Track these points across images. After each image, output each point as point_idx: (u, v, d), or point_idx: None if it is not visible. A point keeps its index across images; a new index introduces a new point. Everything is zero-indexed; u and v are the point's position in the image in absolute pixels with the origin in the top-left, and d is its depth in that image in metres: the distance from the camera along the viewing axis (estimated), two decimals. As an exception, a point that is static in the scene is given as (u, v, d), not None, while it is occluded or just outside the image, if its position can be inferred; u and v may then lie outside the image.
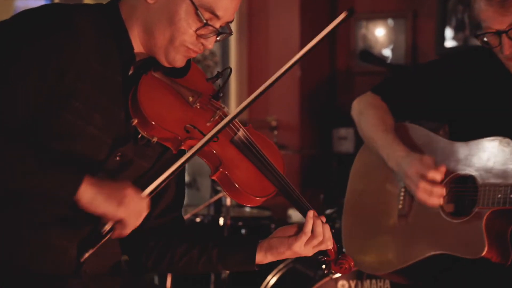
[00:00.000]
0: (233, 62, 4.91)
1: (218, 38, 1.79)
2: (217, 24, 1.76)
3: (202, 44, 1.77)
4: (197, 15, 1.72)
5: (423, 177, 2.30)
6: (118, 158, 1.79)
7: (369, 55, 4.23)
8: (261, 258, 1.86)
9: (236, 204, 3.48)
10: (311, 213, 1.83)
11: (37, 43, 1.64)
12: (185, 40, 1.75)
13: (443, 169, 2.31)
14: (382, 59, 4.20)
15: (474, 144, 2.35)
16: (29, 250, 1.72)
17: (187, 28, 1.74)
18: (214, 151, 1.80)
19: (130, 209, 1.66)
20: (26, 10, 1.73)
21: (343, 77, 4.86)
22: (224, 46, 4.88)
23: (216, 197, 3.25)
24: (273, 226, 3.57)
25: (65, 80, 1.67)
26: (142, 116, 1.75)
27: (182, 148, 1.80)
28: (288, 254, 1.84)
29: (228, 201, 3.25)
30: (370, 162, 2.61)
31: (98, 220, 1.70)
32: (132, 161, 1.82)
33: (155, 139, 1.77)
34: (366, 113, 2.54)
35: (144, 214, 1.70)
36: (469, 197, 2.35)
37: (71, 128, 1.69)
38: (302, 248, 1.82)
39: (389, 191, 2.53)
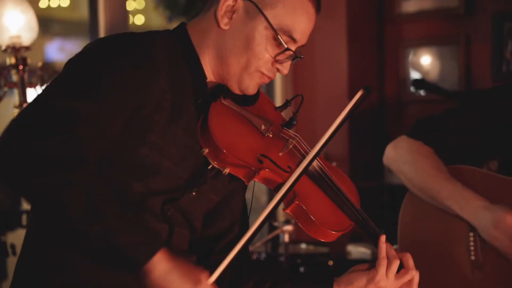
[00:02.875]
0: (277, 92, 4.80)
1: (292, 62, 1.71)
2: (293, 48, 1.69)
3: (278, 69, 1.69)
4: (276, 39, 1.65)
5: None
6: (194, 193, 1.68)
7: (423, 83, 4.10)
8: None
9: (292, 240, 3.32)
10: (383, 238, 1.73)
11: (117, 75, 1.55)
12: (260, 66, 1.67)
13: None
14: (437, 86, 4.05)
15: None
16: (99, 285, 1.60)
17: (265, 53, 1.66)
18: None
19: None
20: (104, 40, 1.65)
21: (393, 107, 4.72)
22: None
23: (274, 233, 3.11)
24: (331, 263, 3.40)
25: (143, 113, 1.57)
26: (214, 144, 1.64)
27: (255, 179, 1.69)
28: None
29: (286, 238, 3.10)
30: (422, 214, 2.39)
31: None
32: (203, 194, 1.71)
33: (227, 170, 1.66)
34: (415, 162, 2.32)
35: None
36: None
37: (147, 163, 1.59)
38: (384, 277, 1.70)
39: (454, 241, 2.31)
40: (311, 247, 3.63)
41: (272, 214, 1.64)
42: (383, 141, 4.75)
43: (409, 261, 1.74)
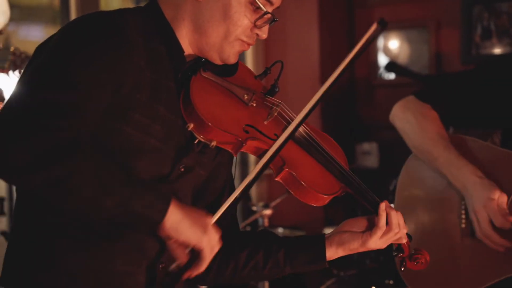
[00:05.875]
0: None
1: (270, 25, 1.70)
2: (270, 11, 1.68)
3: (257, 34, 1.69)
4: (253, 4, 1.64)
5: (492, 221, 2.18)
6: (182, 169, 1.67)
7: (396, 66, 4.12)
8: (332, 253, 1.77)
9: (271, 225, 3.32)
10: (383, 206, 1.74)
11: (91, 58, 1.51)
12: (240, 34, 1.66)
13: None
14: (409, 70, 4.08)
15: None
16: (93, 279, 1.59)
17: (244, 19, 1.65)
18: None
19: (211, 239, 1.54)
20: (74, 23, 1.60)
21: (363, 90, 4.74)
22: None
23: (253, 218, 3.10)
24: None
25: (123, 93, 1.54)
26: (198, 118, 1.62)
27: (243, 150, 1.68)
28: (361, 250, 1.77)
29: (266, 222, 3.10)
30: (421, 178, 2.45)
31: (163, 246, 1.59)
32: (192, 170, 1.70)
33: (214, 143, 1.65)
34: (419, 124, 2.37)
35: (217, 248, 1.57)
36: None
37: (133, 143, 1.57)
38: (377, 242, 1.74)
39: (448, 208, 2.37)
40: (287, 231, 3.65)
41: (258, 178, 1.64)
42: (354, 124, 4.80)
43: (392, 219, 1.74)
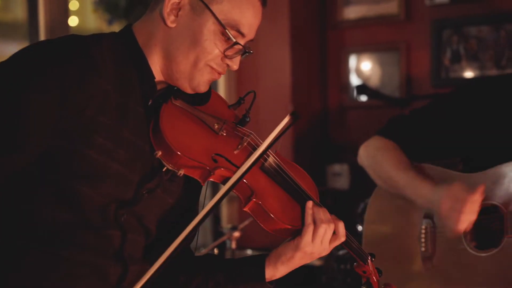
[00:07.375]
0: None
1: (241, 58, 1.70)
2: (242, 42, 1.68)
3: (228, 65, 1.68)
4: (224, 34, 1.64)
5: (462, 210, 2.21)
6: (146, 195, 1.65)
7: (366, 89, 4.14)
8: (272, 271, 1.73)
9: (239, 247, 3.30)
10: (310, 204, 1.72)
11: (53, 79, 1.50)
12: (210, 60, 1.66)
13: (479, 197, 2.21)
14: (379, 92, 4.11)
15: (492, 172, 2.30)
16: None
17: (214, 48, 1.65)
18: (245, 181, 1.67)
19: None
20: (40, 43, 1.61)
21: (335, 112, 4.76)
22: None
23: (220, 240, 3.08)
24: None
25: (86, 115, 1.53)
26: (167, 146, 1.61)
27: (211, 179, 1.66)
28: (299, 257, 1.72)
29: (233, 244, 3.07)
30: (385, 208, 2.54)
31: (126, 266, 1.59)
32: (158, 197, 1.68)
33: (181, 172, 1.63)
34: (381, 156, 2.46)
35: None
36: (494, 227, 2.28)
37: (96, 167, 1.55)
38: (311, 244, 1.69)
39: (409, 235, 2.44)
40: (257, 252, 3.62)
41: (214, 210, 1.60)
42: (325, 145, 4.80)
43: (340, 228, 1.74)
